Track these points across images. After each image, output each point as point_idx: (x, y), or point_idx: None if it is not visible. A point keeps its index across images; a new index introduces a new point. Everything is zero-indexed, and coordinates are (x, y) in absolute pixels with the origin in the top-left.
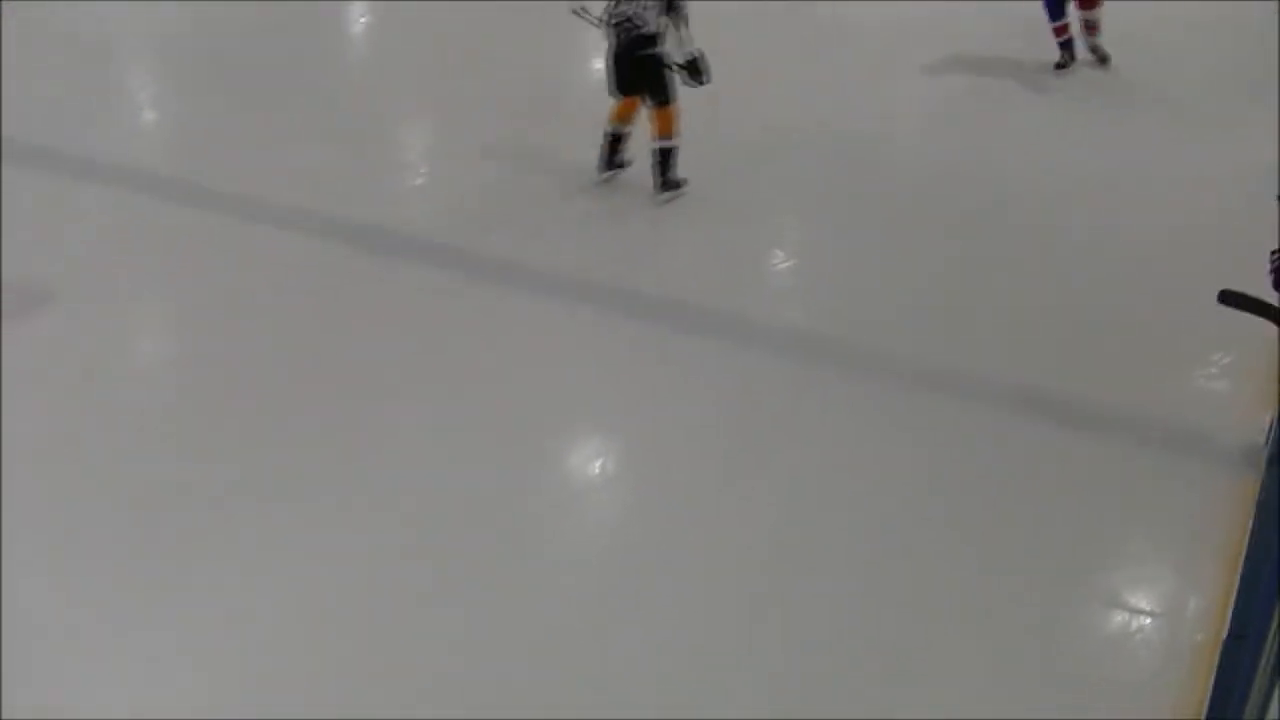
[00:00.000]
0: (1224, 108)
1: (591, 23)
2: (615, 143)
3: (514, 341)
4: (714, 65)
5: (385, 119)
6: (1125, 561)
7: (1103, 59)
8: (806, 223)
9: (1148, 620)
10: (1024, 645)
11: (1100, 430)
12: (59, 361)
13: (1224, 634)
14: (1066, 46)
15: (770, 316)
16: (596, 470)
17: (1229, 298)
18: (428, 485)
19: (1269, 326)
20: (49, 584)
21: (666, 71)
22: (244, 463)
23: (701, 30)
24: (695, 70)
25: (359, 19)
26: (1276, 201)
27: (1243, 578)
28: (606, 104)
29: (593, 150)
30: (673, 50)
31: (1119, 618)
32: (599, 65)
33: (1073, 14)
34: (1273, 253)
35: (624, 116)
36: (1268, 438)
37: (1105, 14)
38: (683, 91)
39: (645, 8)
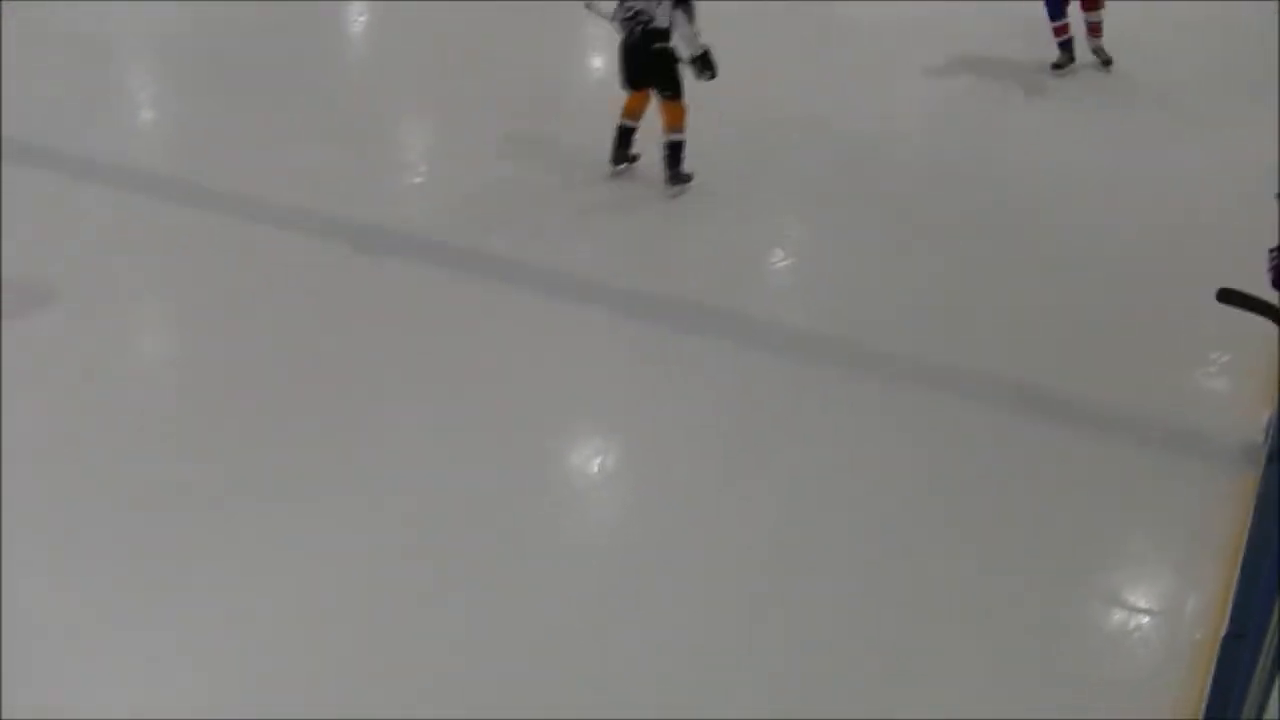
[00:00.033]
0: (1223, 108)
1: (603, 17)
2: (626, 137)
3: (514, 340)
4: (681, 81)
5: (385, 118)
6: (1125, 560)
7: (1105, 62)
8: (806, 222)
9: (1147, 619)
10: (1024, 645)
11: (1100, 429)
12: (59, 361)
13: (1223, 632)
14: (1066, 47)
15: (770, 316)
16: (596, 469)
17: (1228, 296)
18: (428, 485)
19: (1268, 325)
20: (49, 584)
21: (676, 66)
22: (244, 463)
23: (702, 30)
24: (704, 64)
25: (358, 19)
26: (1276, 200)
27: (1242, 576)
28: (605, 103)
29: (592, 148)
30: (682, 45)
31: (1118, 616)
32: (598, 64)
33: (1076, 15)
34: (1271, 251)
35: (634, 110)
36: (1267, 435)
37: (1105, 15)
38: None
39: (655, 3)
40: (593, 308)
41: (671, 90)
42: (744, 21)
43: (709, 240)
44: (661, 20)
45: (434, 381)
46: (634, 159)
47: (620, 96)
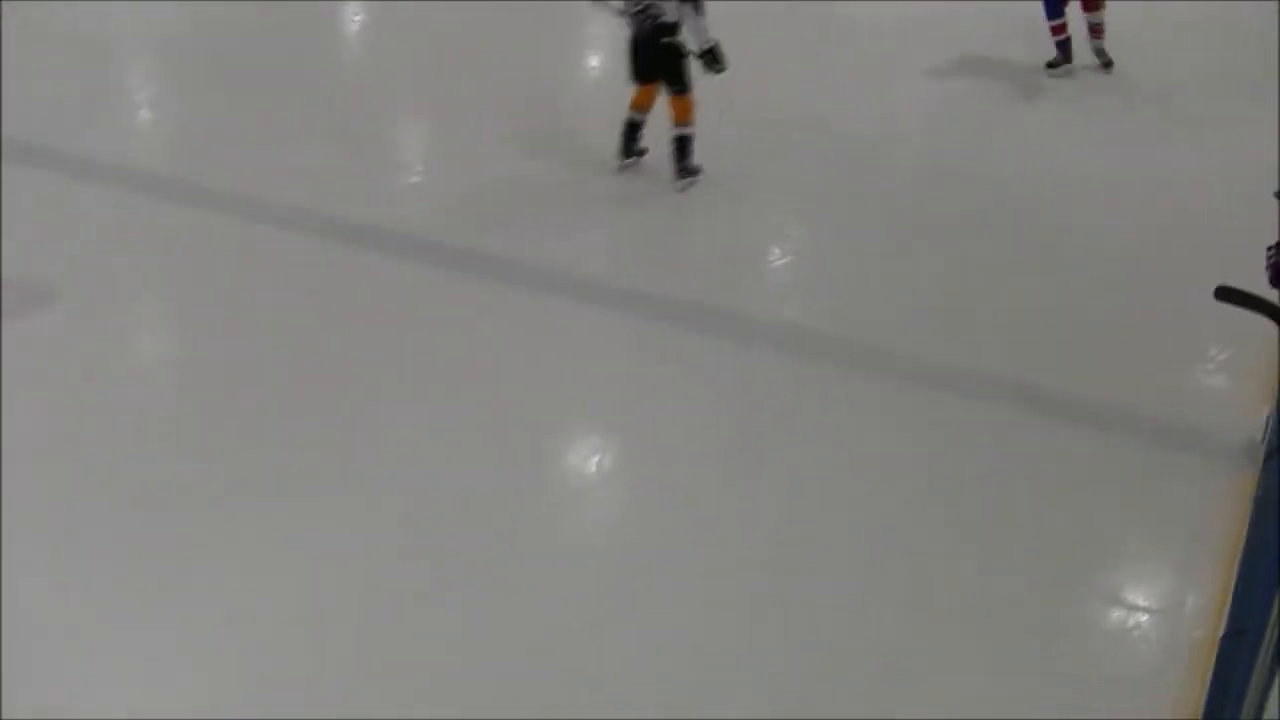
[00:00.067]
0: (1223, 107)
1: (611, 12)
2: (634, 130)
3: (511, 340)
4: (690, 75)
5: (383, 118)
6: (1124, 559)
7: (1106, 64)
8: (806, 222)
9: (1146, 617)
10: (1024, 645)
11: (1099, 429)
12: (59, 361)
13: (1222, 630)
14: (1063, 46)
15: (770, 316)
16: (595, 469)
17: (1226, 294)
18: (426, 485)
19: (1267, 323)
20: (49, 584)
21: (684, 60)
22: (244, 463)
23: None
24: (713, 58)
25: (357, 19)
26: (1275, 198)
27: (1240, 574)
28: (603, 102)
29: (590, 148)
30: (691, 39)
31: (1118, 615)
32: (595, 64)
33: (1078, 16)
34: (1269, 249)
35: (642, 104)
36: (1265, 433)
37: (1107, 16)
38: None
39: None
40: (590, 307)
41: (679, 85)
42: (744, 21)
43: (708, 240)
44: (670, 14)
45: (432, 381)
46: (642, 153)
47: (626, 91)
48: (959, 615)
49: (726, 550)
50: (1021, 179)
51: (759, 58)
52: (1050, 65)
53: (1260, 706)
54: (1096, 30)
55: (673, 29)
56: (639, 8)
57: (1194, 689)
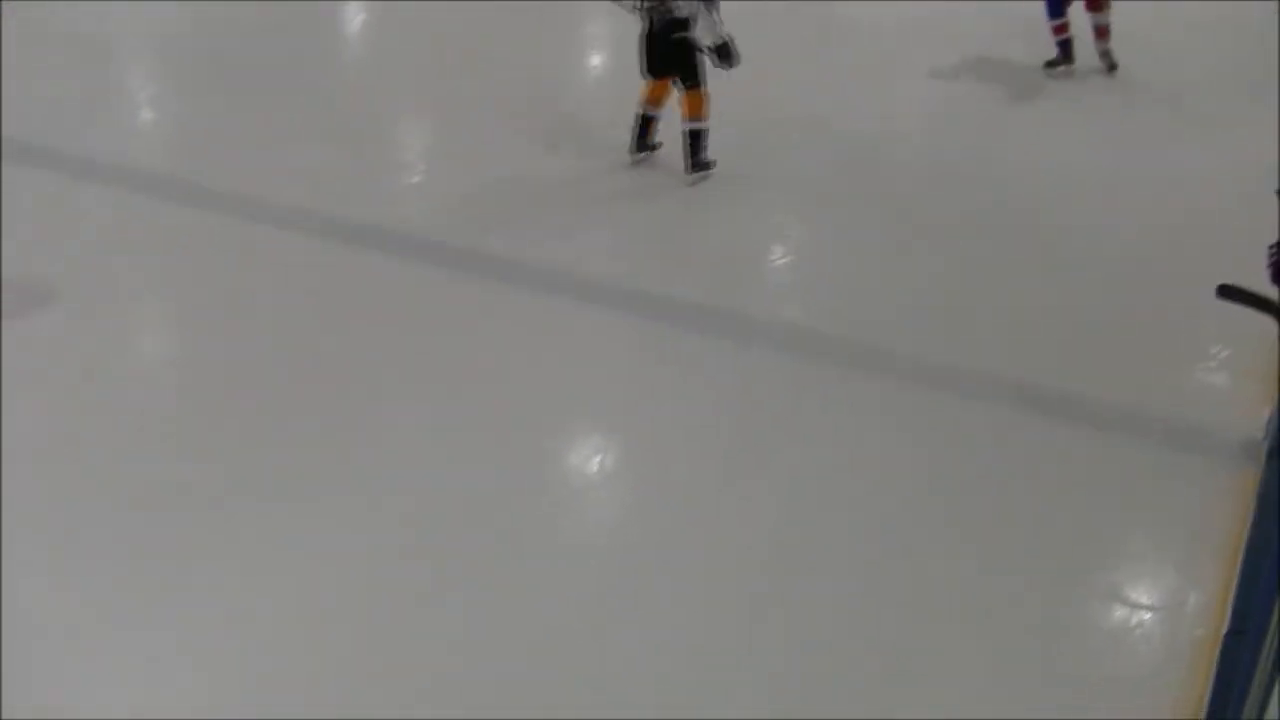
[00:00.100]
0: (1224, 107)
1: (626, 8)
2: (646, 125)
3: (512, 340)
4: (702, 70)
5: (384, 118)
6: (1125, 559)
7: (1111, 67)
8: (806, 222)
9: (1148, 616)
10: (1024, 645)
11: (1100, 428)
12: (59, 361)
13: (1224, 629)
14: (1064, 46)
15: (770, 315)
16: (595, 469)
17: (1227, 292)
18: (427, 485)
19: (1268, 322)
20: (49, 584)
21: (696, 55)
22: (244, 463)
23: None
24: (726, 53)
25: (357, 19)
26: (1277, 196)
27: (1242, 573)
28: (604, 102)
29: (592, 148)
30: (703, 34)
31: (1119, 615)
32: (596, 63)
33: (1083, 18)
34: (1271, 246)
35: (655, 99)
36: (1267, 432)
37: (1113, 16)
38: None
39: None
40: (591, 307)
41: (692, 80)
42: (744, 21)
43: (708, 239)
44: (684, 10)
45: (432, 381)
46: (655, 147)
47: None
48: (959, 615)
49: (726, 550)
50: (1022, 179)
51: (759, 58)
52: (1049, 64)
53: (1263, 706)
54: (1102, 31)
55: (684, 24)
56: (653, 3)
57: (1195, 688)
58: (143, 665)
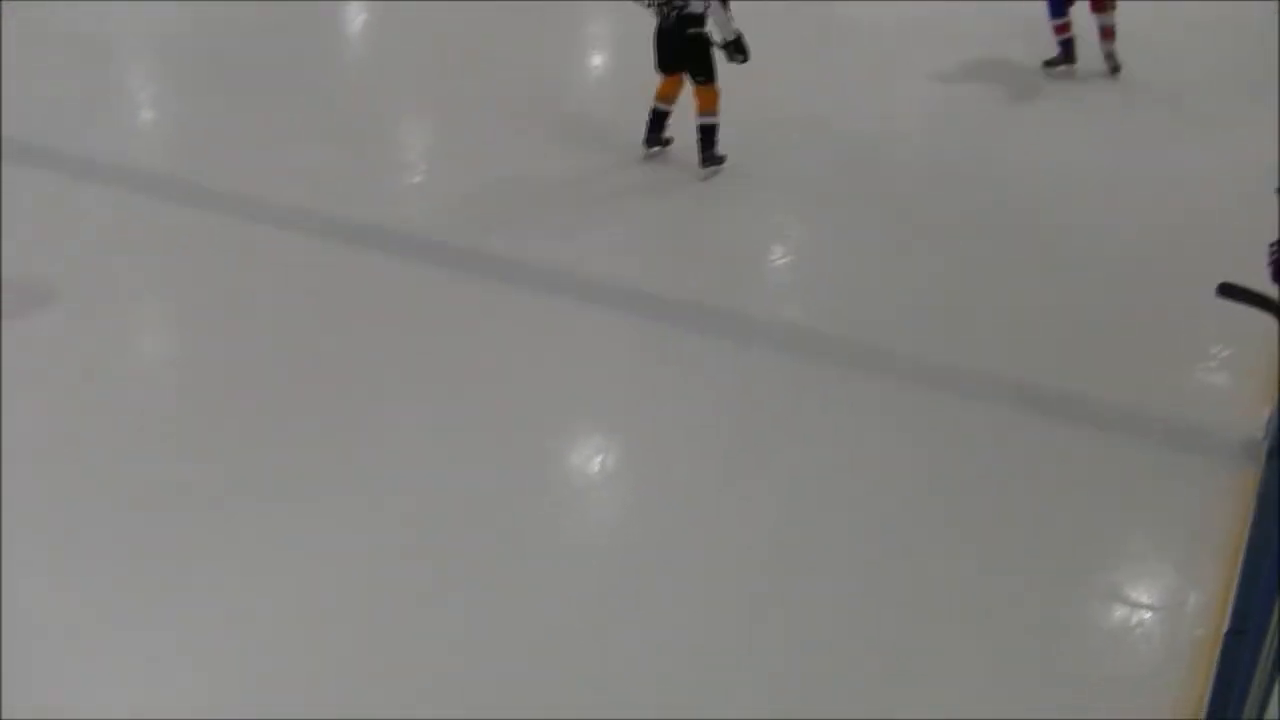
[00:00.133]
0: (1224, 107)
1: (640, 4)
2: (659, 120)
3: (513, 340)
4: (715, 65)
5: (385, 118)
6: (1125, 559)
7: (1114, 69)
8: (806, 222)
9: (1147, 617)
10: (1024, 645)
11: (1100, 428)
12: (59, 361)
13: (1224, 629)
14: (1066, 46)
15: (770, 316)
16: (596, 469)
17: (1228, 290)
18: (428, 485)
19: (1269, 321)
20: (49, 584)
21: (709, 51)
22: (244, 463)
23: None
24: (737, 49)
25: (358, 19)
26: (1276, 195)
27: (1242, 573)
28: (606, 102)
29: (592, 148)
30: (715, 29)
31: (1119, 615)
32: (598, 64)
33: (1087, 18)
34: (1271, 245)
35: (668, 94)
36: (1267, 431)
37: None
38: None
39: None
40: (592, 307)
41: (704, 75)
42: (744, 21)
43: (709, 239)
44: (696, 6)
45: (433, 381)
46: (667, 142)
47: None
48: (959, 615)
49: (726, 550)
50: (1022, 179)
51: (759, 58)
52: (1048, 63)
53: (1263, 705)
54: (1107, 32)
55: (698, 20)
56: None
57: (1195, 688)
58: (143, 665)
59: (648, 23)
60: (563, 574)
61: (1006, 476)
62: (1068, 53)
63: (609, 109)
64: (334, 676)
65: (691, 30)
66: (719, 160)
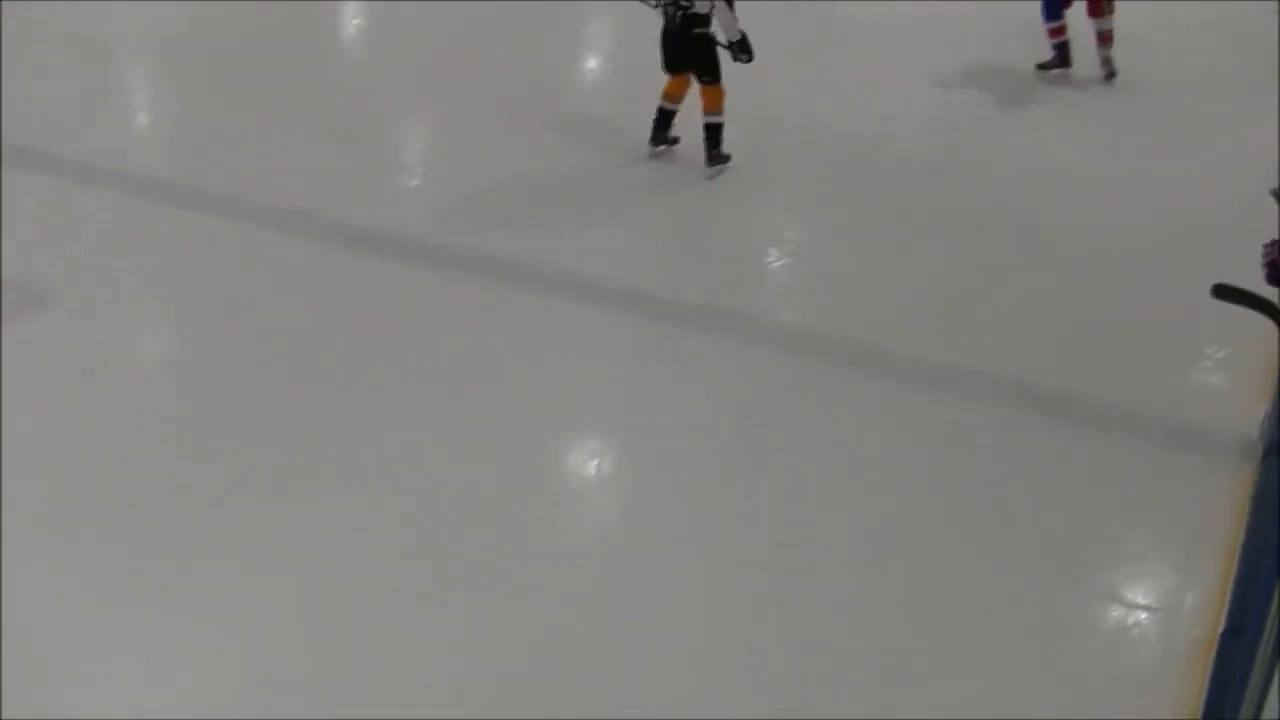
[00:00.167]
0: (1223, 107)
1: (646, 4)
2: (666, 119)
3: (513, 341)
4: (720, 65)
5: (384, 119)
6: (1124, 558)
7: (1110, 74)
8: (806, 222)
9: (1146, 616)
10: (1024, 645)
11: (1100, 428)
12: (59, 361)
13: (1221, 629)
14: (1061, 49)
15: (770, 316)
16: (596, 470)
17: (1223, 291)
18: (428, 485)
19: (1265, 321)
20: (49, 584)
21: (715, 50)
22: (244, 463)
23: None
24: (742, 48)
25: (358, 19)
26: (1272, 196)
27: (1239, 573)
28: (605, 104)
29: (592, 148)
30: (721, 30)
31: (1118, 614)
32: (598, 64)
33: (1083, 22)
34: (1266, 246)
35: (674, 94)
36: (1262, 431)
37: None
38: None
39: None
40: (592, 307)
41: (710, 74)
42: (745, 22)
43: (709, 240)
44: (702, 7)
45: (434, 382)
46: (674, 141)
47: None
48: (959, 615)
49: (726, 550)
50: (1022, 179)
51: (759, 58)
52: (1041, 66)
53: (1260, 705)
54: (1105, 36)
55: (703, 20)
56: (672, 0)
57: (1194, 688)
58: (143, 665)
59: (647, 23)
60: (563, 574)
61: (1006, 476)
62: (1063, 56)
63: (609, 109)
64: (334, 676)
65: (697, 30)
66: (724, 159)
